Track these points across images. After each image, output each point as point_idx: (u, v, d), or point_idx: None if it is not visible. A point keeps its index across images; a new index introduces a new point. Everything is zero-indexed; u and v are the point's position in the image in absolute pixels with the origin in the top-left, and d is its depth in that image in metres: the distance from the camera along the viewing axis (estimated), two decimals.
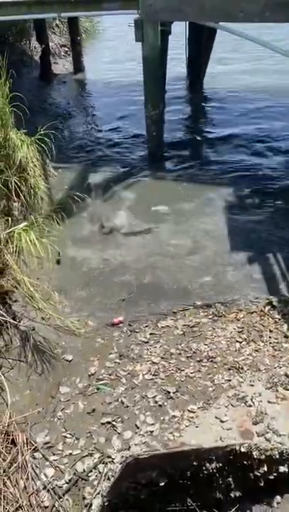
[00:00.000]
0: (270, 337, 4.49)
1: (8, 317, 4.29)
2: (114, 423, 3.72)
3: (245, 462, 3.44)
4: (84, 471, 3.41)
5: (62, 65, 12.97)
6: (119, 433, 3.65)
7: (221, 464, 3.44)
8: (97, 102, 10.92)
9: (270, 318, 4.71)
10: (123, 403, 3.88)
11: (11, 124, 5.24)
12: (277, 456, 3.44)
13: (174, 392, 3.94)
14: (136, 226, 6.35)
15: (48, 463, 3.48)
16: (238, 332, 4.56)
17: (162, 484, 3.39)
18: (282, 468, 3.48)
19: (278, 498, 3.56)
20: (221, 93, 10.75)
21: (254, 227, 6.20)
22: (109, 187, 7.30)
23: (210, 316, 4.78)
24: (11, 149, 5.13)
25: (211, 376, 4.09)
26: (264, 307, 4.85)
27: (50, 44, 12.36)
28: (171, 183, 7.39)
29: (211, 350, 4.36)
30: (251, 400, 3.81)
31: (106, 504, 3.24)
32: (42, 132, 5.56)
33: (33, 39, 11.93)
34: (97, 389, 4.03)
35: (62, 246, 4.99)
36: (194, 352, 4.35)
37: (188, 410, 3.77)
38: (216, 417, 3.68)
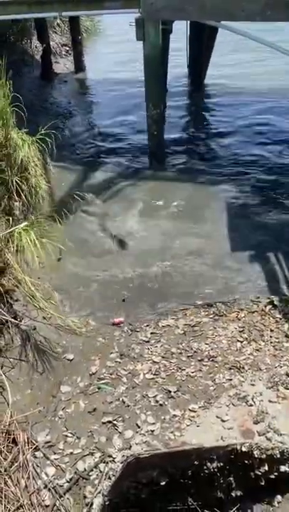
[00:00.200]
0: (271, 336, 4.49)
1: (9, 316, 4.30)
2: (115, 422, 3.72)
3: (246, 461, 3.45)
4: (85, 470, 3.42)
5: (63, 65, 12.96)
6: (120, 432, 3.65)
7: (222, 464, 3.45)
8: (98, 101, 10.91)
9: (271, 318, 4.71)
10: (124, 402, 3.88)
11: (12, 124, 5.24)
12: (278, 456, 3.44)
13: (174, 392, 3.94)
14: (136, 226, 6.34)
15: (48, 462, 3.48)
16: (239, 331, 4.55)
17: (163, 483, 3.40)
18: (283, 468, 3.48)
19: (279, 497, 3.56)
20: (222, 92, 10.73)
21: (255, 226, 6.19)
22: (110, 186, 7.30)
23: (211, 316, 4.78)
24: (12, 149, 5.13)
25: (212, 375, 4.09)
26: (265, 307, 4.85)
27: (51, 43, 12.34)
28: (172, 182, 7.38)
29: (212, 349, 4.36)
30: (252, 399, 3.81)
31: (107, 503, 3.25)
32: (43, 132, 5.56)
33: (34, 38, 11.92)
34: (98, 388, 4.04)
35: (63, 245, 4.99)
36: (195, 351, 4.35)
37: (189, 410, 3.77)
38: (217, 417, 3.68)
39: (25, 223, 4.60)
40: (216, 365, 4.19)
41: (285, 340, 4.43)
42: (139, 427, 3.67)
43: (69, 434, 3.67)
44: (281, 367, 4.13)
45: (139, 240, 6.08)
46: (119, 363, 4.29)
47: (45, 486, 3.32)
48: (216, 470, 3.45)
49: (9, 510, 3.10)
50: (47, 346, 4.38)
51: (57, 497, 3.26)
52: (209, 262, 5.58)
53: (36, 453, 3.54)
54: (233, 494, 3.54)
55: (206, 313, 4.83)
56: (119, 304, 5.03)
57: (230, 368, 4.15)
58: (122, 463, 3.38)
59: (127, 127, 9.40)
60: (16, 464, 3.38)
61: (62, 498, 3.26)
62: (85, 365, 4.30)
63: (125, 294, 5.14)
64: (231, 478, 3.52)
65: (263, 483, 3.51)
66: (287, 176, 7.37)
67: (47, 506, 3.22)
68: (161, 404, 3.84)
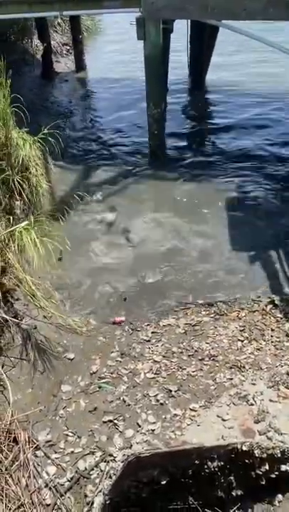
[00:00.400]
0: (271, 336, 4.48)
1: (10, 316, 4.30)
2: (115, 421, 3.72)
3: (246, 461, 3.45)
4: (86, 469, 3.42)
5: (64, 64, 12.95)
6: (120, 431, 3.65)
7: (222, 463, 3.45)
8: (99, 101, 10.90)
9: (272, 317, 4.71)
10: (125, 401, 3.88)
11: (13, 124, 5.24)
12: (279, 455, 3.44)
13: (175, 391, 3.94)
14: (137, 224, 6.34)
15: (49, 461, 3.49)
16: (240, 331, 4.55)
17: (164, 483, 3.40)
18: (283, 467, 3.48)
19: (280, 496, 3.56)
20: (223, 91, 10.72)
21: (257, 224, 6.19)
22: (111, 185, 7.30)
23: (212, 315, 4.78)
24: (12, 148, 5.13)
25: (212, 375, 4.09)
26: (266, 306, 4.85)
27: (52, 42, 12.33)
28: (172, 181, 7.38)
29: (212, 348, 4.36)
30: (253, 398, 3.81)
31: (108, 502, 3.25)
32: (44, 131, 5.55)
33: (35, 37, 11.90)
34: (99, 387, 4.04)
35: (64, 244, 4.99)
36: (196, 350, 4.35)
37: (190, 409, 3.77)
38: (218, 416, 3.68)
39: (26, 222, 4.59)
40: (217, 365, 4.19)
41: (286, 340, 4.42)
42: (139, 426, 3.67)
43: (70, 433, 3.67)
44: (282, 366, 4.13)
45: (140, 238, 6.07)
46: (120, 362, 4.29)
47: (46, 485, 3.33)
48: (216, 469, 3.45)
49: (10, 509, 3.10)
50: (47, 345, 4.38)
51: (58, 496, 3.26)
52: (210, 261, 5.57)
53: (37, 452, 3.54)
54: (234, 493, 3.54)
55: (207, 312, 4.83)
56: (120, 303, 5.03)
57: (231, 367, 4.15)
58: (122, 462, 3.38)
59: (128, 126, 9.38)
60: (16, 463, 3.38)
61: (63, 497, 3.26)
62: (86, 364, 4.30)
63: (126, 293, 5.14)
64: (232, 478, 3.52)
65: (263, 483, 3.51)
66: None
67: (48, 505, 3.22)
68: (161, 404, 3.84)
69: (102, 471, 3.40)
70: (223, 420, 3.64)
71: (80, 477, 3.37)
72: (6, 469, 3.31)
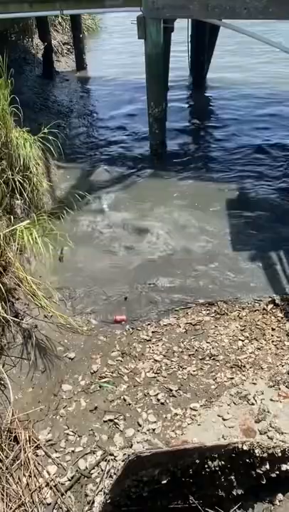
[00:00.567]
0: (272, 335, 4.48)
1: (11, 315, 4.30)
2: (116, 421, 3.73)
3: (247, 460, 3.44)
4: (86, 468, 3.43)
5: (64, 63, 12.96)
6: (121, 431, 3.66)
7: (223, 462, 3.44)
8: (100, 100, 10.90)
9: (273, 317, 4.71)
10: (125, 401, 3.89)
11: (12, 124, 5.23)
12: (280, 454, 3.44)
13: (176, 390, 3.94)
14: (138, 224, 6.34)
15: (50, 460, 3.49)
16: (241, 330, 4.55)
17: (164, 482, 3.39)
18: (284, 466, 3.48)
19: (280, 496, 3.55)
20: (224, 90, 10.71)
21: (257, 224, 6.18)
22: (112, 185, 7.29)
23: (212, 314, 4.78)
24: (13, 148, 5.13)
25: (213, 374, 4.09)
26: (267, 305, 4.85)
27: (53, 42, 12.34)
28: (173, 180, 7.38)
29: (213, 348, 4.36)
30: (253, 398, 3.81)
31: (108, 501, 3.25)
32: (45, 130, 5.55)
33: (36, 37, 11.90)
34: (100, 387, 4.04)
35: (65, 244, 5.00)
36: (196, 350, 4.35)
37: (191, 408, 3.78)
38: (219, 415, 3.68)
39: (27, 222, 4.60)
40: (218, 364, 4.19)
41: (287, 339, 4.42)
42: (140, 426, 3.67)
43: (70, 433, 3.68)
44: (282, 366, 4.13)
45: (141, 238, 6.07)
46: (121, 361, 4.29)
47: (47, 484, 3.33)
48: (217, 468, 3.44)
49: (11, 508, 3.11)
50: (48, 345, 4.38)
51: (58, 495, 3.27)
52: (211, 260, 5.57)
53: (38, 451, 3.55)
54: (235, 493, 3.53)
55: (208, 311, 4.83)
56: (120, 302, 5.03)
57: (231, 367, 4.15)
58: (123, 461, 3.38)
59: (129, 125, 9.39)
60: (17, 462, 3.39)
61: (63, 496, 3.26)
62: (87, 363, 4.30)
63: (127, 293, 5.14)
64: (232, 477, 3.51)
65: (264, 482, 3.50)
66: None
67: (48, 504, 3.23)
68: (162, 403, 3.85)
69: (102, 470, 3.40)
70: (224, 419, 3.65)
71: (81, 476, 3.38)
72: (6, 468, 3.32)
